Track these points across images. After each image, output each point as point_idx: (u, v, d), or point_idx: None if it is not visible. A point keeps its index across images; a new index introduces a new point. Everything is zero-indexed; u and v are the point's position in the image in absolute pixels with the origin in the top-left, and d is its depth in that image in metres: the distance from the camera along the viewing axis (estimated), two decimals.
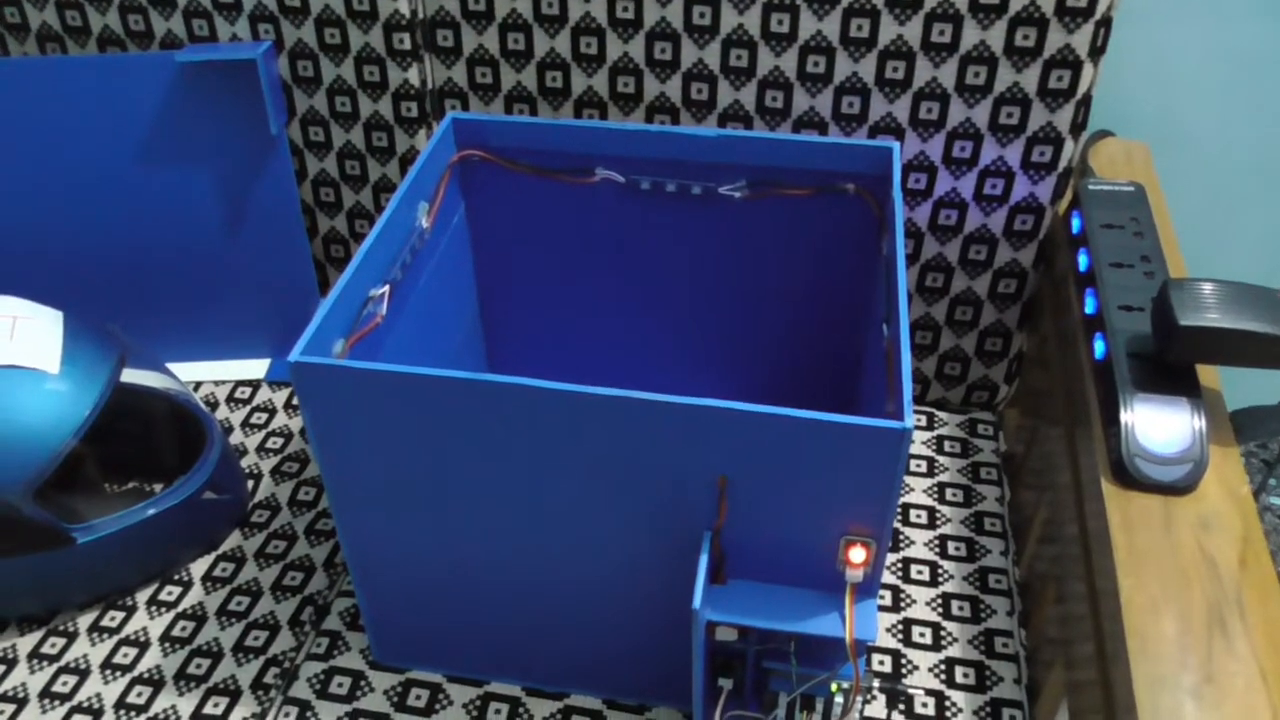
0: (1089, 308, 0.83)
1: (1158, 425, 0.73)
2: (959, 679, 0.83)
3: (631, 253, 0.96)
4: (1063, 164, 0.95)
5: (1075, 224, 0.92)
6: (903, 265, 0.71)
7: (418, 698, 0.84)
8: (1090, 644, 0.69)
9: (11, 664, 0.87)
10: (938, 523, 0.95)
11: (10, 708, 0.84)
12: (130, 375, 0.92)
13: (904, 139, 0.97)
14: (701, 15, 0.94)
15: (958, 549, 0.93)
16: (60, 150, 1.03)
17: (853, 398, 0.98)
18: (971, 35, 0.90)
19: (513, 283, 1.00)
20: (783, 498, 0.64)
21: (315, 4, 1.01)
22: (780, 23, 0.93)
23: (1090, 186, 0.94)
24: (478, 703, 0.83)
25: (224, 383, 1.14)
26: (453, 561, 0.76)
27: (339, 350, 0.71)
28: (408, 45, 1.02)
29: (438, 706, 0.83)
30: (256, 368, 1.15)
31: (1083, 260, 0.87)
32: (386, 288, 0.78)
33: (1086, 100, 0.92)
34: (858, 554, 0.64)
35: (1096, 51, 0.90)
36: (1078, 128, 0.94)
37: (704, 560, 0.65)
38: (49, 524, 0.84)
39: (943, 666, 0.84)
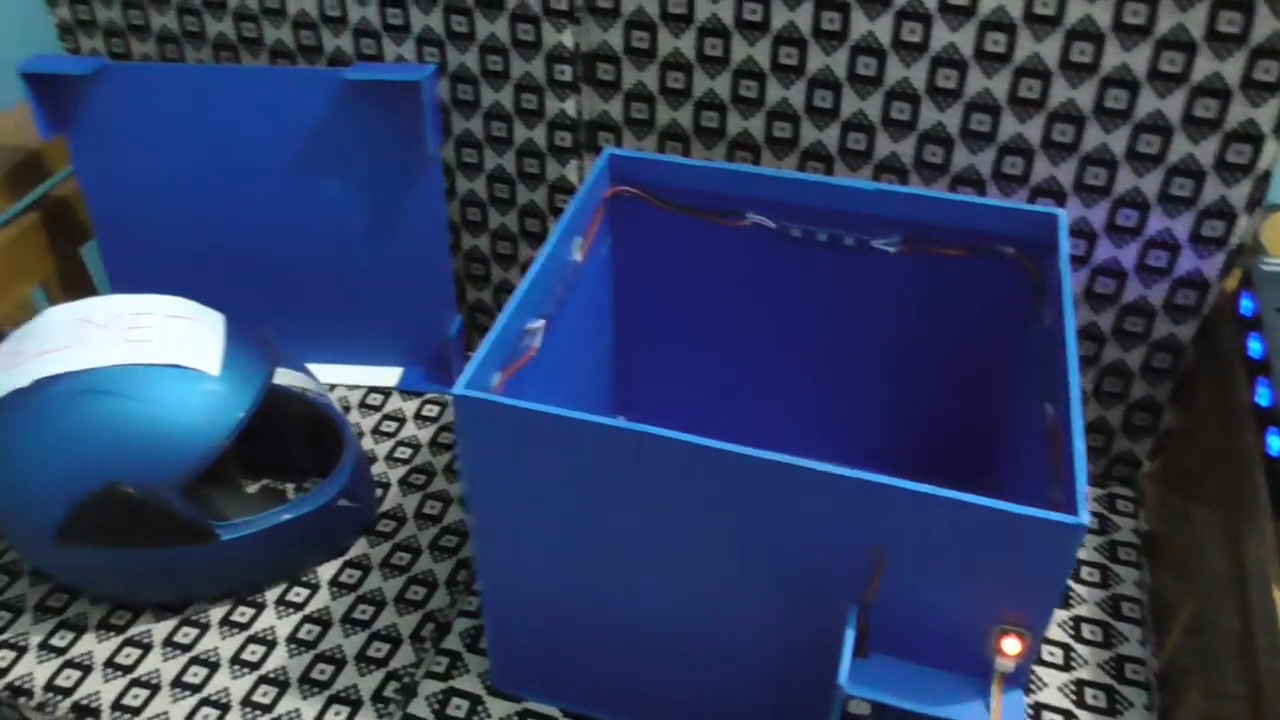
0: (1262, 399, 0.80)
1: None
2: None
3: (775, 300, 0.95)
4: (1234, 240, 0.92)
5: (1245, 305, 0.88)
6: (1074, 342, 0.69)
7: None
8: None
9: (147, 649, 0.90)
10: (1072, 603, 0.92)
11: (144, 693, 0.87)
12: (276, 376, 0.95)
13: (1065, 203, 0.94)
14: (866, 66, 0.93)
15: (1093, 633, 0.90)
16: (226, 156, 1.07)
17: (988, 472, 0.95)
18: (1148, 103, 0.88)
19: (649, 319, 1.00)
20: (937, 579, 0.63)
21: (482, 31, 1.03)
22: (948, 78, 0.91)
23: (1264, 267, 0.90)
24: None
25: (357, 387, 1.16)
26: (585, 600, 0.76)
27: (496, 383, 0.72)
28: (568, 77, 1.03)
29: None
30: (390, 375, 1.17)
31: (1255, 346, 0.84)
32: (542, 321, 0.78)
33: (1266, 176, 0.89)
34: (1012, 645, 0.62)
35: None
36: (1253, 204, 0.90)
37: (850, 634, 0.64)
38: (196, 520, 0.87)
39: None
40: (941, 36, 0.90)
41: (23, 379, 0.85)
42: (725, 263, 0.94)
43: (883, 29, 0.91)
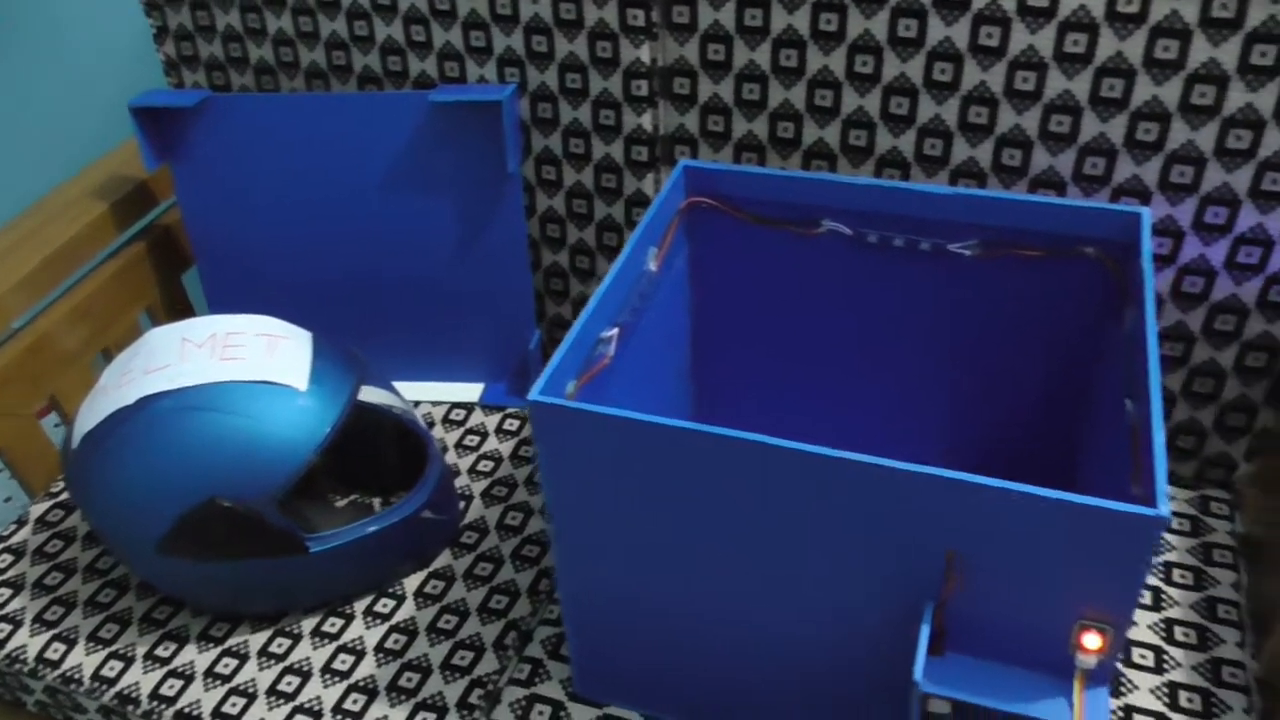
0: None
1: None
2: None
3: (852, 307, 0.95)
4: None
5: None
6: (1154, 339, 0.68)
7: None
8: None
9: (243, 659, 0.94)
10: (1163, 605, 0.90)
11: (242, 701, 0.90)
12: (362, 392, 0.98)
13: (1150, 202, 0.92)
14: (942, 71, 0.93)
15: (1186, 635, 0.87)
16: (316, 178, 1.11)
17: (1070, 471, 0.93)
18: (1237, 98, 0.86)
19: (728, 327, 1.01)
20: (1015, 576, 0.62)
21: (560, 50, 1.05)
22: (1025, 80, 0.91)
23: None
24: None
25: (441, 403, 1.19)
26: (664, 605, 0.77)
27: (571, 390, 0.73)
28: (645, 92, 1.04)
29: None
30: (472, 391, 1.20)
31: None
32: (616, 330, 0.80)
33: None
34: (1092, 640, 0.61)
35: None
36: None
37: (925, 631, 0.64)
38: (289, 531, 0.90)
39: None
40: (1020, 39, 0.89)
41: (129, 397, 0.89)
42: (802, 271, 0.94)
43: (959, 34, 0.91)
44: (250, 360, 0.89)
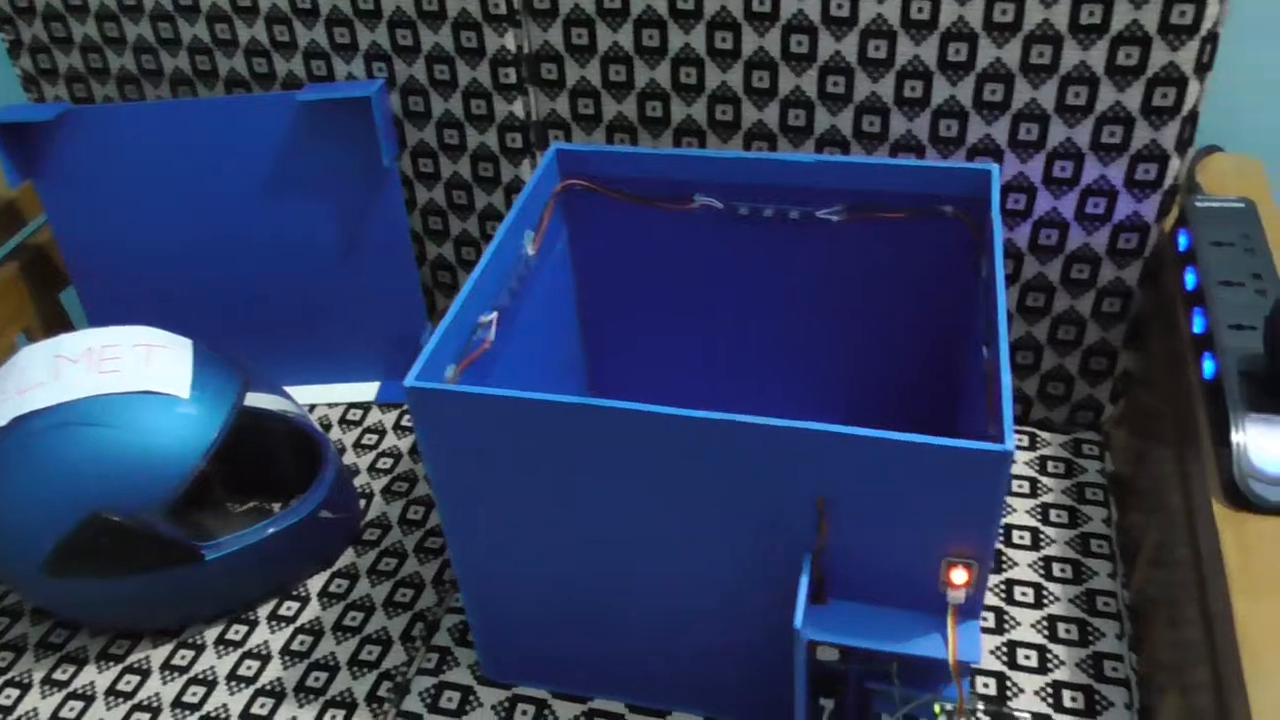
0: (1197, 327, 0.82)
1: (1272, 445, 0.71)
2: (1067, 703, 0.82)
3: (730, 277, 0.97)
4: (1168, 181, 0.94)
5: (1182, 242, 0.90)
6: (1002, 287, 0.71)
7: (524, 713, 0.86)
8: (1206, 670, 0.68)
9: (145, 675, 0.92)
10: (1041, 544, 0.94)
11: (145, 716, 0.89)
12: (252, 399, 0.97)
13: (1003, 160, 0.96)
14: (799, 44, 0.96)
15: (1063, 571, 0.92)
16: (189, 186, 1.09)
17: (952, 420, 0.97)
18: (1072, 56, 0.90)
19: (613, 307, 1.02)
20: (883, 520, 0.65)
21: (426, 42, 1.05)
22: (877, 49, 0.94)
23: (1198, 203, 0.92)
24: (582, 719, 0.85)
25: (336, 405, 1.19)
26: (560, 581, 0.78)
27: (450, 375, 0.74)
28: (513, 79, 1.05)
29: None
30: (367, 390, 1.19)
31: (1190, 278, 0.86)
32: (495, 314, 0.81)
33: (1193, 117, 0.91)
34: (959, 575, 0.64)
35: (1203, 68, 0.89)
36: (1184, 145, 0.92)
37: (804, 581, 0.66)
38: (181, 541, 0.89)
39: (1050, 690, 0.83)
40: (869, 9, 0.92)
41: (2, 418, 0.87)
42: (680, 246, 0.97)
43: (812, 7, 0.94)
44: (128, 371, 0.88)
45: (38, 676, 0.93)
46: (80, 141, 1.08)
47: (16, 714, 0.90)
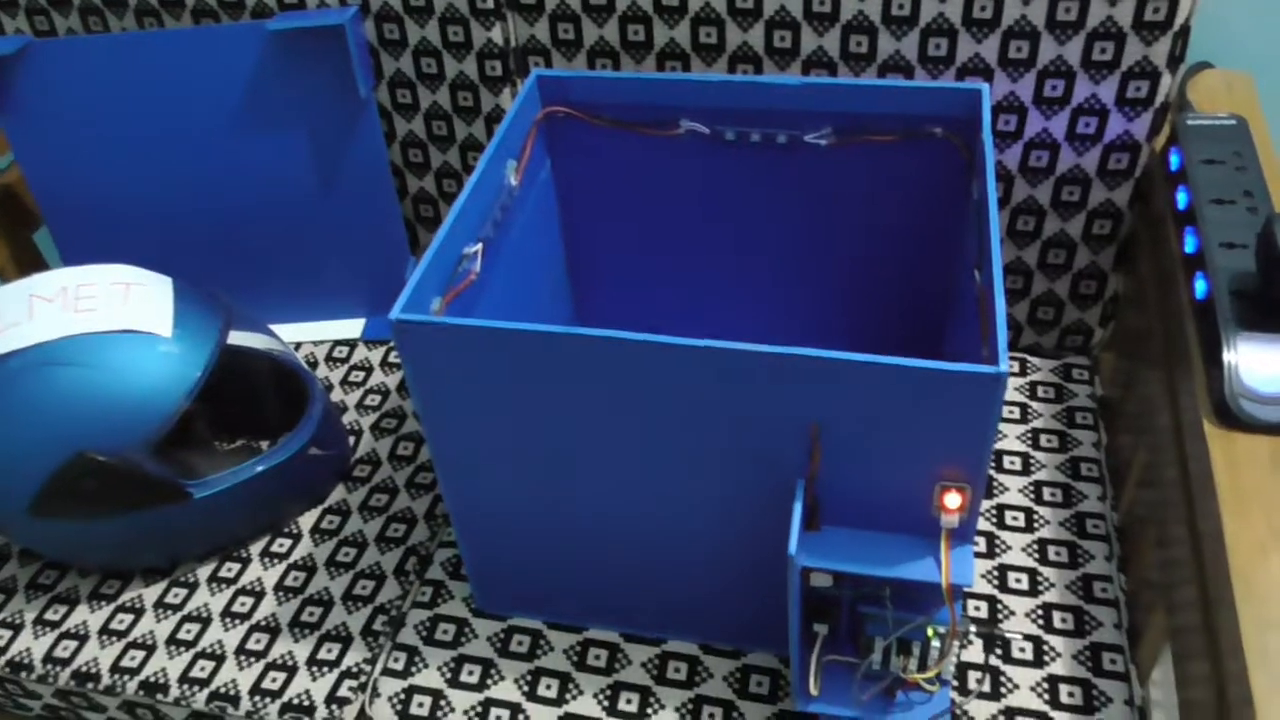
0: (1189, 246, 0.81)
1: (1263, 364, 0.71)
2: (1057, 624, 0.83)
3: (717, 203, 0.96)
4: (1160, 99, 0.93)
5: (1174, 160, 0.89)
6: (994, 210, 0.70)
7: (520, 644, 0.86)
8: (1193, 588, 0.69)
9: (139, 613, 0.92)
10: (1032, 469, 0.95)
11: (141, 654, 0.89)
12: (236, 337, 0.96)
13: (993, 80, 0.95)
14: None
15: (1053, 494, 0.92)
16: (159, 121, 1.07)
17: (942, 344, 0.97)
18: None
19: (599, 236, 1.01)
20: (876, 445, 0.64)
21: None
22: None
23: (1189, 121, 0.91)
24: (578, 648, 0.85)
25: (322, 342, 1.17)
26: (551, 511, 0.78)
27: (436, 307, 0.73)
28: (490, 4, 1.02)
29: (539, 652, 0.86)
30: (353, 327, 1.18)
31: (1182, 198, 0.85)
32: (480, 245, 0.79)
33: (1184, 31, 0.89)
34: (953, 499, 0.64)
35: None
36: (1175, 61, 0.91)
37: (798, 507, 0.66)
38: (168, 480, 0.88)
39: (1040, 612, 0.84)
40: None
41: None
42: (665, 171, 0.95)
43: None
44: (105, 310, 0.87)
45: (29, 617, 0.93)
46: (44, 76, 1.05)
47: (10, 655, 0.90)
